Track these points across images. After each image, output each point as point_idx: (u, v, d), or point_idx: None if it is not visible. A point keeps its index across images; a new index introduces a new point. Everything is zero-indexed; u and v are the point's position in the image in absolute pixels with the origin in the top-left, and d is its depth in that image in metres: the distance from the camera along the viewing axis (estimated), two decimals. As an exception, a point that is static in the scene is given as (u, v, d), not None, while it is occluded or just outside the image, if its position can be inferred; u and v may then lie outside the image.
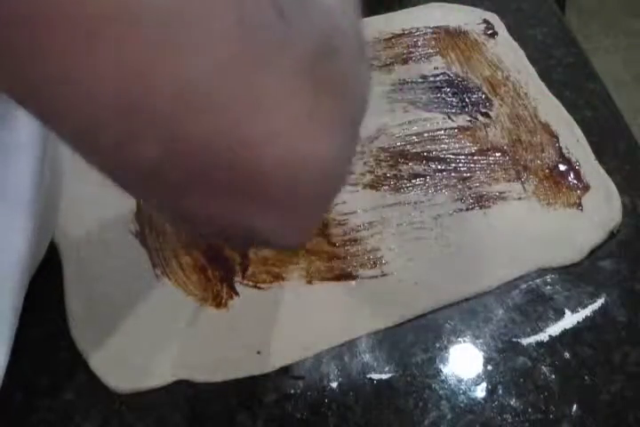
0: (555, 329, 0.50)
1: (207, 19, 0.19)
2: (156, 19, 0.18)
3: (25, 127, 0.35)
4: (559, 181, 0.57)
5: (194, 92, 0.19)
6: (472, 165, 0.59)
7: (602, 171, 0.57)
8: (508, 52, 0.67)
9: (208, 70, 0.19)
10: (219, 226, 0.24)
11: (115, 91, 0.18)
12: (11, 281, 0.38)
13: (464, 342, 0.50)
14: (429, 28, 0.69)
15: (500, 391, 0.47)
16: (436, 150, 0.60)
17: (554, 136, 0.60)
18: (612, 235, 0.54)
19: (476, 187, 0.57)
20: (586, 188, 0.56)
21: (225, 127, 0.20)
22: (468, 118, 0.62)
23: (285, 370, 0.49)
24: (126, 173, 0.22)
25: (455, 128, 0.61)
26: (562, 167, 0.58)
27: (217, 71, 0.19)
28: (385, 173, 0.58)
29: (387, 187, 0.58)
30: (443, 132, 0.61)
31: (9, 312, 0.39)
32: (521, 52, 0.67)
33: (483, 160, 0.59)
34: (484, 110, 0.62)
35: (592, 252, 0.53)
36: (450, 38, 0.68)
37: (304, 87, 0.22)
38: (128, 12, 0.18)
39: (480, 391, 0.47)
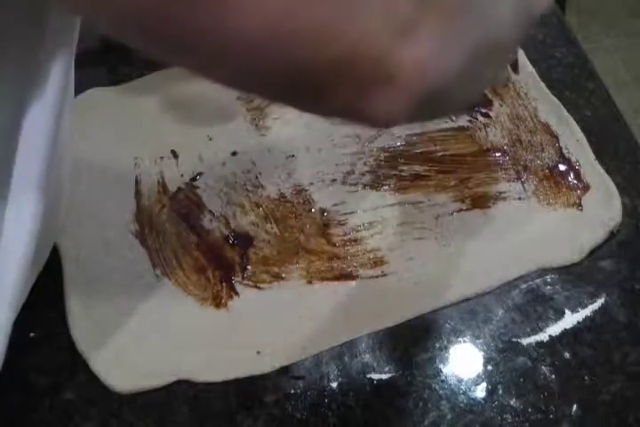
0: (555, 329, 0.50)
1: None
2: None
3: (31, 135, 0.35)
4: (559, 181, 0.57)
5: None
6: (472, 165, 0.59)
7: (602, 171, 0.57)
8: (507, 52, 0.67)
9: None
10: (346, 110, 0.27)
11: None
12: (10, 290, 0.38)
13: (464, 342, 0.50)
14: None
15: (500, 391, 0.47)
16: (436, 150, 0.60)
17: (554, 136, 0.60)
18: (611, 235, 0.54)
19: (476, 187, 0.57)
20: (586, 188, 0.56)
21: (324, 14, 0.23)
22: (468, 118, 0.62)
23: (285, 370, 0.49)
24: (280, 78, 0.25)
25: (455, 128, 0.61)
26: (562, 167, 0.58)
27: None
28: (385, 173, 0.58)
29: (387, 187, 0.58)
30: (443, 132, 0.61)
31: (4, 321, 0.39)
32: (521, 52, 0.67)
33: (483, 160, 0.59)
34: (483, 110, 0.62)
35: (592, 252, 0.53)
36: (450, 38, 0.68)
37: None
38: None
39: (480, 391, 0.47)
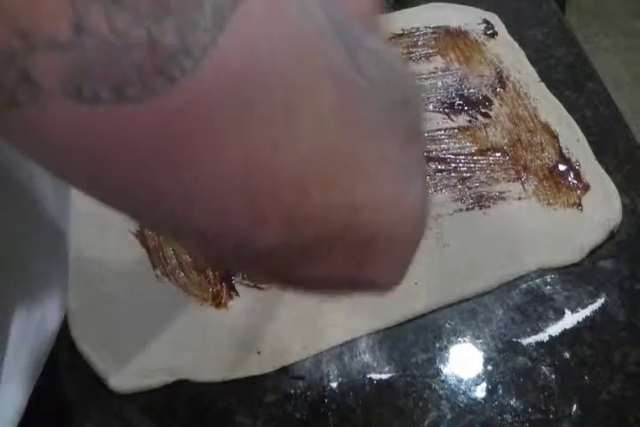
0: (555, 329, 0.50)
1: (311, 101, 0.19)
2: (273, 103, 0.18)
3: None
4: (559, 181, 0.57)
5: (310, 170, 0.20)
6: (472, 165, 0.59)
7: (602, 171, 0.57)
8: (507, 52, 0.67)
9: (319, 148, 0.20)
10: (331, 286, 0.25)
11: (241, 176, 0.19)
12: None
13: (464, 342, 0.50)
14: (429, 28, 0.69)
15: (500, 391, 0.47)
16: (436, 150, 0.60)
17: (554, 136, 0.60)
18: (611, 235, 0.54)
19: (476, 187, 0.57)
20: (586, 188, 0.56)
21: (340, 199, 0.21)
22: (468, 118, 0.62)
23: (285, 370, 0.49)
24: (248, 255, 0.22)
25: (455, 128, 0.61)
26: (562, 167, 0.58)
27: (326, 147, 0.20)
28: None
29: (387, 187, 0.58)
30: (443, 132, 0.61)
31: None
32: (521, 52, 0.67)
33: (483, 160, 0.59)
34: (483, 110, 0.62)
35: (592, 252, 0.53)
36: (450, 38, 0.68)
37: (394, 143, 0.23)
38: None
39: (480, 391, 0.47)
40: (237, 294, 0.52)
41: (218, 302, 0.52)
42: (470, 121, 0.62)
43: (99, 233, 0.56)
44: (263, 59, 0.18)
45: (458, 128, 0.61)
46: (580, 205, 0.55)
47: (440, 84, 0.65)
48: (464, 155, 0.59)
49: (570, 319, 0.50)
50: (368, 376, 0.48)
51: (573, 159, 0.58)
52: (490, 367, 0.48)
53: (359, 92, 0.21)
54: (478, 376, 0.48)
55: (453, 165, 0.59)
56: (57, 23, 0.15)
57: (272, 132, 0.19)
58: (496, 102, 0.63)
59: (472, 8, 0.71)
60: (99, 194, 0.21)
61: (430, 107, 0.63)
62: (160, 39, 0.16)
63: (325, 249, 0.22)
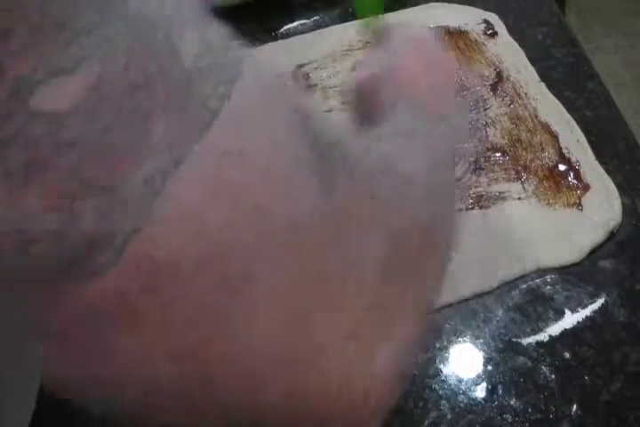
0: (555, 329, 0.50)
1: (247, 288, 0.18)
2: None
3: None
4: (559, 181, 0.57)
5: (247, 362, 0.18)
6: (472, 166, 0.59)
7: (602, 171, 0.57)
8: (507, 52, 0.67)
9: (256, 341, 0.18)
10: None
11: (175, 368, 0.18)
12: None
13: (464, 342, 0.50)
14: (429, 28, 0.69)
15: (500, 391, 0.47)
16: (436, 150, 0.60)
17: (554, 136, 0.60)
18: (611, 235, 0.54)
19: (476, 187, 0.57)
20: (586, 188, 0.56)
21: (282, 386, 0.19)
22: (468, 118, 0.62)
23: (285, 370, 0.49)
24: None
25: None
26: (562, 167, 0.58)
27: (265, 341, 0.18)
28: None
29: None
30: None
31: None
32: (521, 52, 0.67)
33: (482, 160, 0.59)
34: (483, 110, 0.62)
35: (592, 252, 0.53)
36: (450, 38, 0.68)
37: (355, 296, 0.21)
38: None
39: (480, 391, 0.47)
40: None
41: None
42: (470, 121, 0.62)
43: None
44: (188, 253, 0.16)
45: (458, 128, 0.61)
46: (579, 205, 0.55)
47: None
48: (464, 155, 0.59)
49: (570, 319, 0.50)
50: (368, 376, 0.48)
51: (573, 159, 0.58)
52: (490, 367, 0.48)
53: (315, 243, 0.19)
54: (478, 376, 0.48)
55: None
56: None
57: (199, 328, 0.17)
58: (496, 102, 0.63)
59: (472, 8, 0.71)
60: None
61: (430, 107, 0.63)
62: (73, 224, 0.15)
63: None
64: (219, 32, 0.18)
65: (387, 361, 0.22)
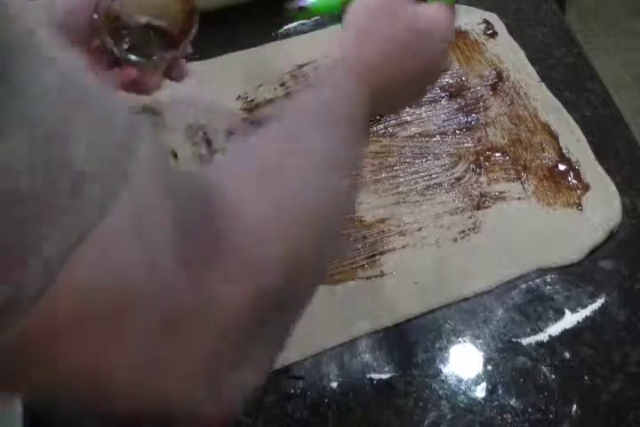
0: (555, 329, 0.50)
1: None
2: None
3: None
4: (559, 181, 0.57)
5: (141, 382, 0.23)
6: (472, 165, 0.59)
7: (602, 171, 0.57)
8: (507, 52, 0.67)
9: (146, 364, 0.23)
10: None
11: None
12: None
13: (464, 342, 0.50)
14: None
15: (500, 391, 0.47)
16: (436, 150, 0.60)
17: (554, 136, 0.60)
18: (611, 235, 0.54)
19: (476, 187, 0.57)
20: (586, 188, 0.56)
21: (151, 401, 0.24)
22: (468, 118, 0.62)
23: (285, 370, 0.49)
24: None
25: (455, 128, 0.61)
26: (562, 167, 0.58)
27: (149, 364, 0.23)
28: (384, 173, 0.58)
29: (386, 187, 0.58)
30: (442, 132, 0.61)
31: None
32: (521, 52, 0.67)
33: (482, 160, 0.59)
34: (483, 110, 0.62)
35: (592, 252, 0.53)
36: (450, 38, 0.68)
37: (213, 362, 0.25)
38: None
39: (480, 391, 0.47)
40: (237, 293, 0.52)
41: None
42: (470, 121, 0.62)
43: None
44: (83, 308, 0.21)
45: (458, 128, 0.61)
46: (579, 205, 0.55)
47: (440, 84, 0.65)
48: (464, 155, 0.59)
49: (570, 319, 0.50)
50: (368, 376, 0.48)
51: (573, 159, 0.58)
52: (490, 367, 0.48)
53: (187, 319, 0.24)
54: (478, 376, 0.48)
55: (453, 164, 0.59)
56: None
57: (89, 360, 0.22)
58: (496, 102, 0.63)
59: (472, 8, 0.71)
60: None
61: (430, 107, 0.63)
62: None
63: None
64: (110, 133, 0.21)
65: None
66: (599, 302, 0.51)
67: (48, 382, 0.22)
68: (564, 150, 0.59)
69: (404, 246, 0.54)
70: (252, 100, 0.63)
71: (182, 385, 0.24)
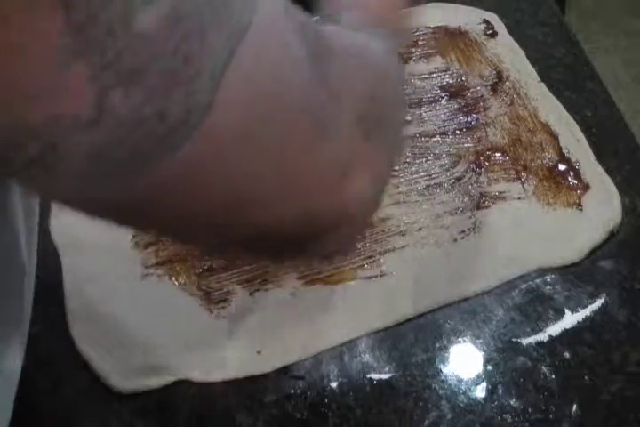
0: (555, 329, 0.50)
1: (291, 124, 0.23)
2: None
3: None
4: (559, 181, 0.57)
5: (297, 180, 0.25)
6: (472, 165, 0.59)
7: (602, 171, 0.57)
8: (507, 52, 0.67)
9: (301, 158, 0.24)
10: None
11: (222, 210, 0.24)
12: None
13: (464, 342, 0.50)
14: (429, 28, 0.69)
15: (500, 391, 0.47)
16: (436, 150, 0.60)
17: (554, 136, 0.60)
18: (611, 235, 0.54)
19: (476, 187, 0.57)
20: (586, 188, 0.56)
21: (311, 200, 0.26)
22: (468, 118, 0.62)
23: (285, 370, 0.49)
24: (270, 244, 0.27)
25: (455, 128, 0.61)
26: (562, 167, 0.58)
27: (304, 157, 0.25)
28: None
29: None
30: (442, 132, 0.61)
31: None
32: (521, 52, 0.67)
33: (482, 160, 0.59)
34: (483, 110, 0.62)
35: (592, 252, 0.53)
36: (450, 38, 0.68)
37: (357, 146, 0.27)
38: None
39: (480, 391, 0.47)
40: (237, 294, 0.52)
41: (218, 302, 0.52)
42: (470, 121, 0.62)
43: (98, 233, 0.56)
44: (249, 113, 0.21)
45: (458, 128, 0.61)
46: (579, 205, 0.55)
47: (440, 84, 0.65)
48: (464, 155, 0.59)
49: (570, 319, 0.50)
50: (368, 376, 0.48)
51: (573, 159, 0.58)
52: (490, 367, 0.48)
53: (323, 111, 0.25)
54: (478, 376, 0.48)
55: (453, 164, 0.59)
56: (81, 105, 0.18)
57: (259, 183, 0.23)
58: (496, 102, 0.63)
59: (472, 8, 0.71)
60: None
61: (430, 107, 0.63)
62: (167, 111, 0.19)
63: (295, 228, 0.27)
64: None
65: (364, 179, 0.28)
66: (599, 302, 0.51)
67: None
68: (564, 150, 0.59)
69: (403, 246, 0.54)
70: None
71: (333, 186, 0.26)
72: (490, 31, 0.69)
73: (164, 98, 0.19)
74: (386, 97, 0.31)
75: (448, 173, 0.58)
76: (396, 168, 0.59)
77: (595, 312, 0.50)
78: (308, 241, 0.29)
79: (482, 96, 0.63)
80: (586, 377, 0.47)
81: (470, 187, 0.57)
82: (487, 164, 0.59)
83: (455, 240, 0.54)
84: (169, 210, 0.23)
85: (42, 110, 0.17)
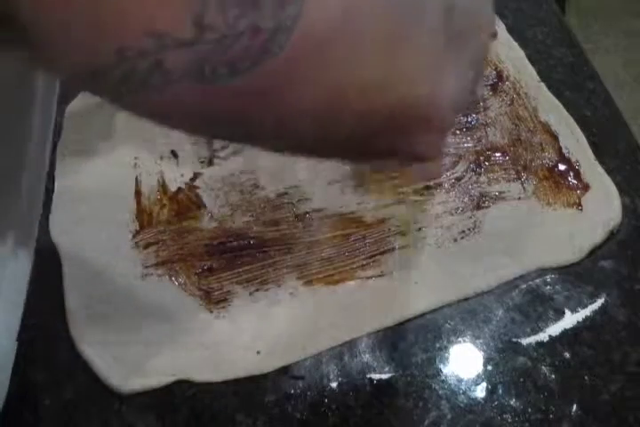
0: (555, 329, 0.50)
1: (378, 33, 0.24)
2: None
3: None
4: (559, 181, 0.57)
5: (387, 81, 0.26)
6: (472, 165, 0.59)
7: (602, 171, 0.57)
8: (507, 52, 0.67)
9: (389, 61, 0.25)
10: (383, 151, 0.31)
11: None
12: None
13: (464, 342, 0.50)
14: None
15: (500, 391, 0.47)
16: (436, 150, 0.60)
17: (554, 136, 0.60)
18: (611, 235, 0.54)
19: (476, 187, 0.57)
20: (586, 188, 0.56)
21: (397, 78, 0.26)
22: (468, 118, 0.62)
23: (285, 370, 0.49)
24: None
25: (455, 128, 0.61)
26: (562, 167, 0.58)
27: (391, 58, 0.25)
28: (384, 173, 0.58)
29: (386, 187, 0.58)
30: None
31: None
32: (521, 52, 0.67)
33: (482, 160, 0.59)
34: (483, 110, 0.62)
35: (592, 252, 0.53)
36: (450, 38, 0.68)
37: (440, 50, 0.28)
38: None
39: (480, 391, 0.47)
40: (237, 294, 0.52)
41: (217, 302, 0.52)
42: (470, 121, 0.62)
43: (98, 233, 0.56)
44: (338, 18, 0.22)
45: (458, 128, 0.61)
46: (579, 205, 0.55)
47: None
48: (463, 155, 0.59)
49: (570, 319, 0.50)
50: (368, 376, 0.48)
51: (573, 159, 0.58)
52: (490, 367, 0.48)
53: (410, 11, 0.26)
54: (478, 376, 0.48)
55: (453, 164, 0.59)
56: (181, 24, 0.19)
57: (346, 71, 0.24)
58: (496, 102, 0.63)
59: (472, 8, 0.71)
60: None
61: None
62: (260, 24, 0.20)
63: (392, 119, 0.28)
64: None
65: (451, 81, 0.29)
66: (599, 302, 0.51)
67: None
68: (564, 150, 0.59)
69: (404, 246, 0.54)
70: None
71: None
72: (490, 31, 0.69)
73: (256, 12, 0.20)
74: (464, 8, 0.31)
75: (448, 173, 0.58)
76: (397, 168, 0.59)
77: (595, 312, 0.50)
78: (401, 137, 0.29)
79: (482, 96, 0.63)
80: (586, 377, 0.47)
81: (470, 187, 0.57)
82: (487, 164, 0.59)
83: (455, 240, 0.54)
84: (275, 108, 0.24)
85: (145, 29, 0.19)
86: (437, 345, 0.50)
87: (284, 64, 0.22)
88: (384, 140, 0.29)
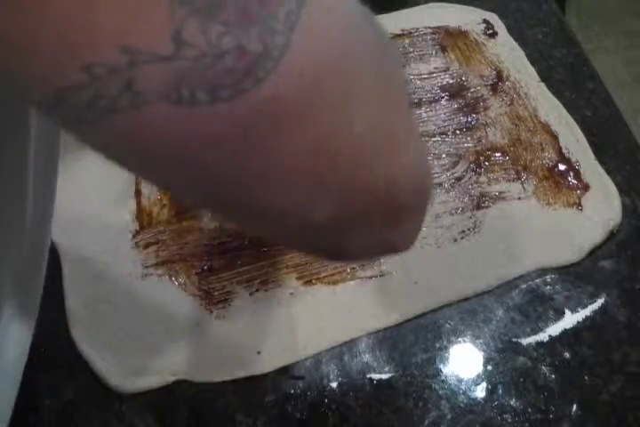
0: (555, 329, 0.50)
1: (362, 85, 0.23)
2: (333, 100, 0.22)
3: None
4: (559, 181, 0.57)
5: (364, 147, 0.23)
6: (472, 165, 0.59)
7: (602, 171, 0.57)
8: (507, 52, 0.67)
9: (370, 127, 0.23)
10: (365, 251, 0.29)
11: (310, 158, 0.22)
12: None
13: (464, 342, 0.50)
14: (429, 28, 0.69)
15: (500, 391, 0.47)
16: (436, 150, 0.60)
17: (554, 136, 0.60)
18: (611, 235, 0.54)
19: (476, 187, 0.57)
20: (586, 188, 0.56)
21: (382, 170, 0.24)
22: (468, 118, 0.62)
23: (285, 370, 0.49)
24: (307, 226, 0.25)
25: (455, 128, 0.61)
26: (562, 167, 0.58)
27: (374, 126, 0.23)
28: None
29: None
30: (442, 132, 0.61)
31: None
32: (521, 52, 0.67)
33: (482, 160, 0.59)
34: (483, 110, 0.62)
35: (592, 252, 0.53)
36: (450, 38, 0.68)
37: (409, 112, 0.27)
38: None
39: (480, 391, 0.47)
40: (237, 294, 0.52)
41: (217, 303, 0.52)
42: (470, 121, 0.62)
43: (98, 233, 0.56)
44: (326, 53, 0.21)
45: (458, 128, 0.61)
46: (579, 205, 0.55)
47: (440, 84, 0.65)
48: (464, 155, 0.59)
49: (570, 319, 0.50)
50: (368, 376, 0.48)
51: (573, 159, 0.58)
52: (490, 367, 0.48)
53: (391, 72, 0.25)
54: (478, 376, 0.48)
55: (453, 164, 0.59)
56: (158, 39, 0.17)
57: (337, 117, 0.22)
58: (496, 102, 0.63)
59: (472, 8, 0.71)
60: (184, 188, 0.24)
61: (430, 107, 0.63)
62: (247, 46, 0.19)
63: (370, 216, 0.25)
64: None
65: (414, 157, 0.27)
66: (599, 302, 0.51)
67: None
68: (564, 150, 0.59)
69: (403, 246, 0.54)
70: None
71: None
72: (490, 31, 0.69)
73: (242, 33, 0.19)
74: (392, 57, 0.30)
75: (448, 173, 0.58)
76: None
77: (595, 312, 0.50)
78: (381, 226, 0.27)
79: (482, 96, 0.63)
80: (586, 377, 0.47)
81: (470, 187, 0.57)
82: (487, 164, 0.59)
83: (455, 240, 0.54)
84: (256, 157, 0.21)
85: (118, 42, 0.17)
86: (437, 345, 0.50)
87: (269, 100, 0.19)
88: (362, 231, 0.26)
